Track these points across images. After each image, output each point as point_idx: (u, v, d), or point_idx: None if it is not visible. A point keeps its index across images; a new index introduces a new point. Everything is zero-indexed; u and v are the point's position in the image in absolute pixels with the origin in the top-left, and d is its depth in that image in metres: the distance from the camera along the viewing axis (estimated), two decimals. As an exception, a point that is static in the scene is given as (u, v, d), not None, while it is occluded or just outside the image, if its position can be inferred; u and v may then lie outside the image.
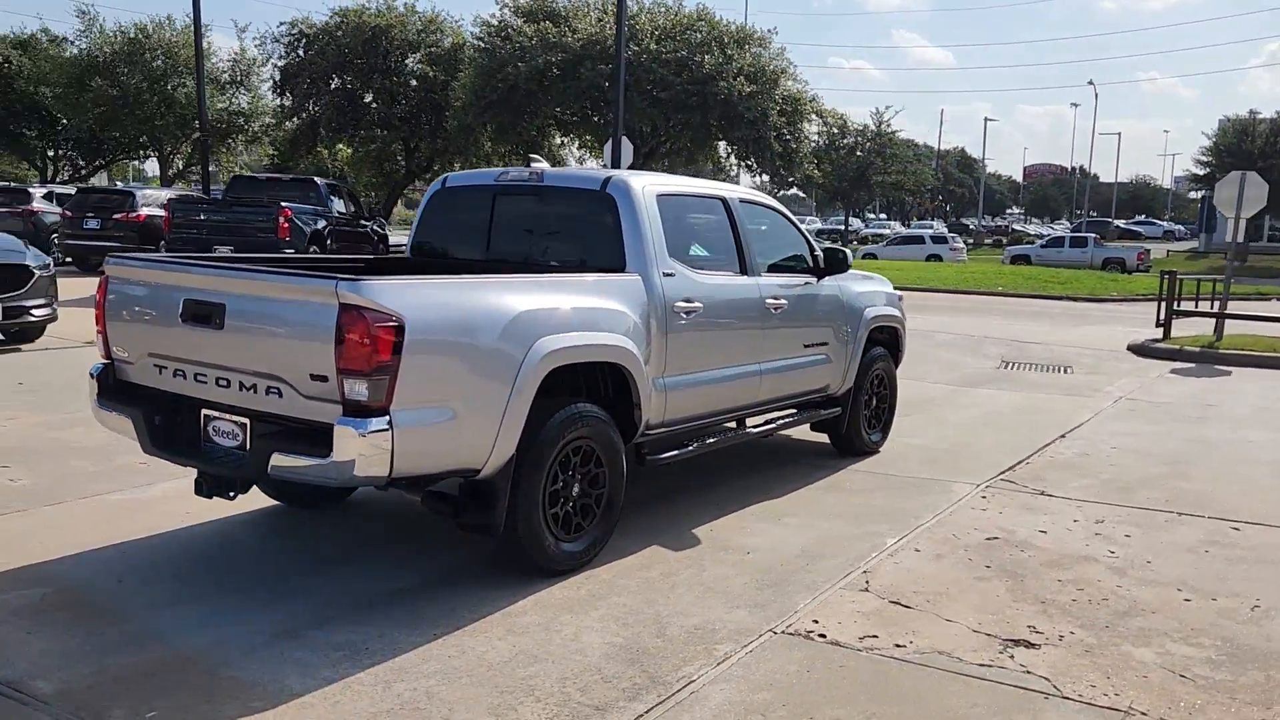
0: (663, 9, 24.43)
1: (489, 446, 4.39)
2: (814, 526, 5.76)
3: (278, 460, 4.14)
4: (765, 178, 26.81)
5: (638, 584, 4.79)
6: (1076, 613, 4.54)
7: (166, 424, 4.64)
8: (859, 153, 57.02)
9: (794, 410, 6.86)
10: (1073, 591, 4.81)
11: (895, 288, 8.14)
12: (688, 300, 5.54)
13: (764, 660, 3.98)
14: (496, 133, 24.37)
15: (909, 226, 70.03)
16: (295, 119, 30.46)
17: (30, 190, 23.02)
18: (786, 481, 6.72)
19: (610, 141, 19.45)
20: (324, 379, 4.01)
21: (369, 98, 29.50)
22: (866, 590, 4.77)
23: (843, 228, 63.15)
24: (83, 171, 38.49)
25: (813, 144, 55.75)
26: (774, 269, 6.60)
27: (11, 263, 10.73)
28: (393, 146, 31.29)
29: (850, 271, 7.56)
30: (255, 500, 5.72)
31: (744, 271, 6.15)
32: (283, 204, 17.01)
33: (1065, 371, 12.62)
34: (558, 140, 27.53)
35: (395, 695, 3.63)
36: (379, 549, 5.26)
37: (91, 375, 4.89)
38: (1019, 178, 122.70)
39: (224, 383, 4.36)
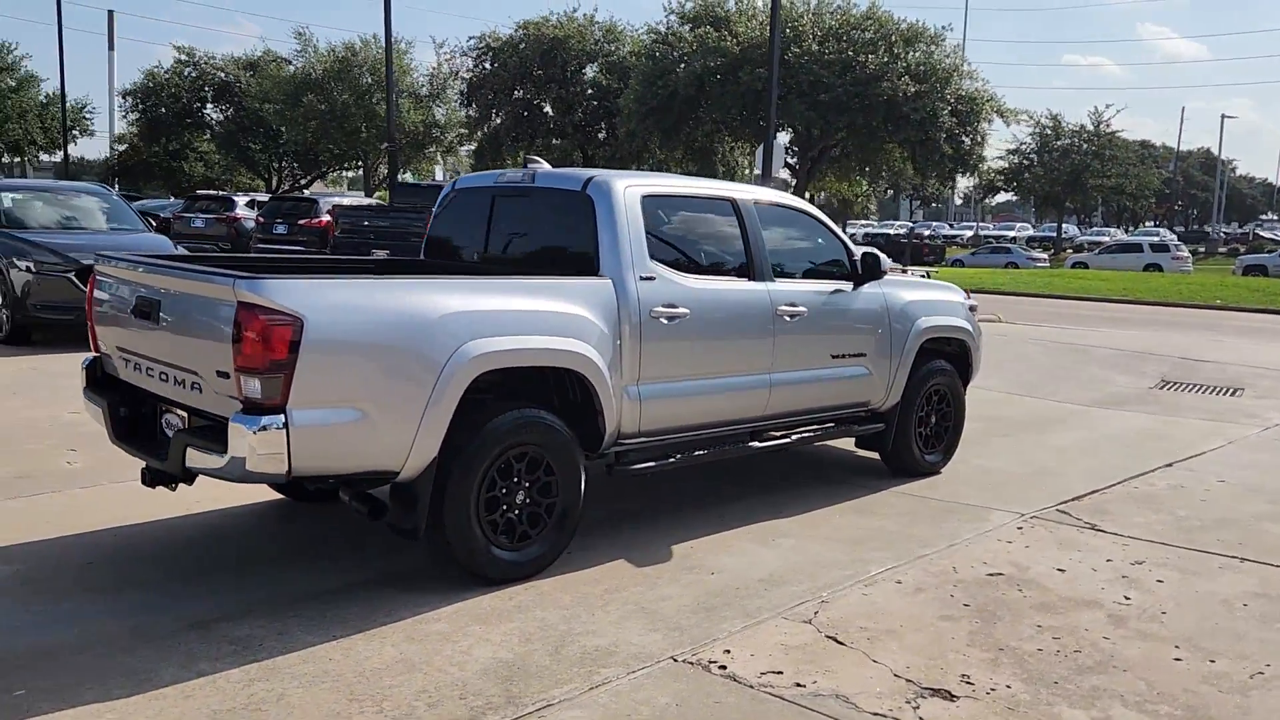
0: (830, 9, 23.80)
1: (405, 449, 4.34)
2: (804, 549, 5.39)
3: (191, 456, 4.25)
4: (937, 181, 25.65)
5: (574, 599, 4.61)
6: (1032, 664, 4.02)
7: (130, 416, 4.87)
8: (1074, 155, 53.71)
9: (826, 425, 6.46)
10: (1046, 640, 4.26)
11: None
12: (670, 305, 5.31)
13: (640, 689, 3.74)
14: (663, 138, 24.44)
15: (1130, 233, 65.17)
16: (481, 129, 31.70)
17: (234, 199, 25.04)
18: (812, 499, 6.33)
19: (762, 145, 19.13)
20: (226, 375, 4.08)
21: (546, 107, 30.32)
22: (809, 622, 4.40)
23: (1054, 234, 59.67)
24: (301, 182, 41.62)
25: (1023, 144, 53.11)
26: (797, 274, 6.25)
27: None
28: (573, 155, 32.05)
29: (902, 278, 7.10)
30: (263, 492, 5.94)
31: (752, 276, 5.83)
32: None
33: (1231, 394, 11.33)
34: (730, 144, 27.31)
35: (249, 695, 3.64)
36: (354, 544, 5.30)
37: (83, 367, 5.20)
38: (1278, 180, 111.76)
39: (165, 377, 4.52)
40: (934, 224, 76.33)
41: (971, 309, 7.48)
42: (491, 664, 3.92)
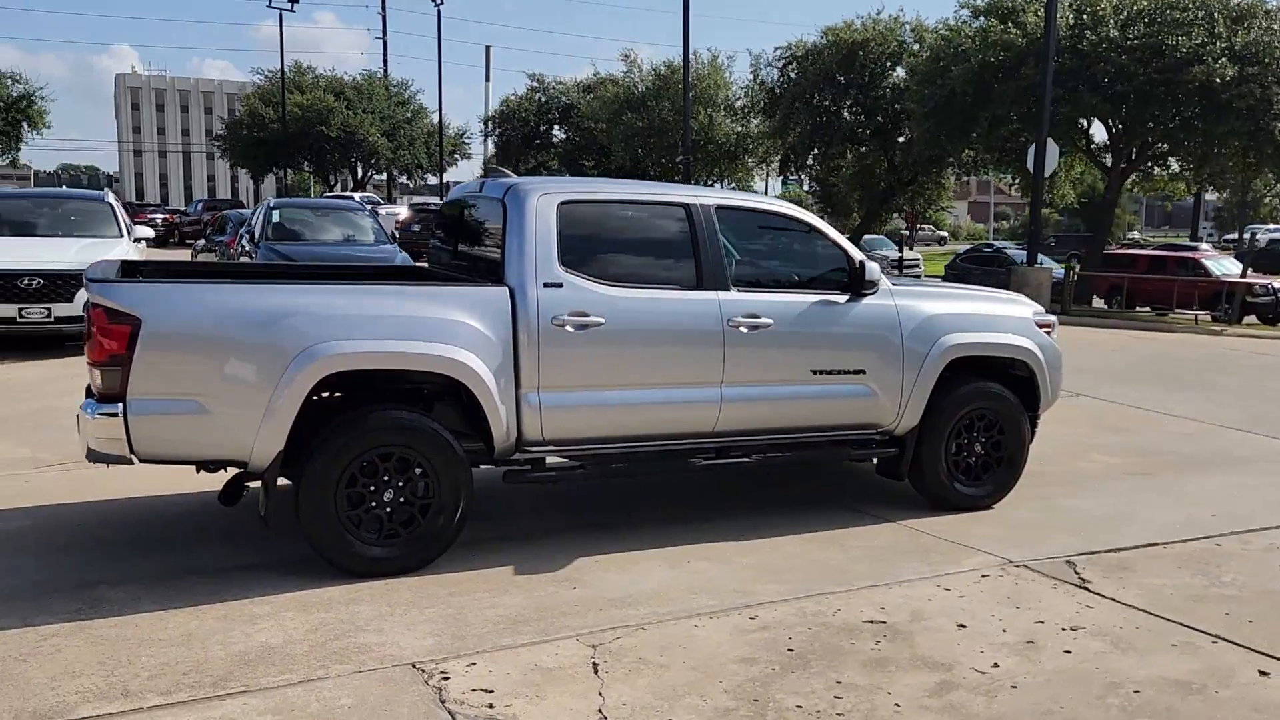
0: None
1: (249, 442, 4.65)
2: (704, 574, 5.05)
3: (79, 439, 4.85)
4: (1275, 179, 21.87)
5: (412, 597, 4.68)
6: (765, 722, 3.54)
7: (100, 402, 5.60)
8: None
9: (817, 445, 5.95)
10: (825, 700, 3.72)
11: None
12: (581, 314, 5.20)
13: (339, 688, 3.76)
14: (950, 139, 22.97)
15: None
16: (784, 138, 31.61)
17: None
18: (791, 524, 5.86)
19: (1035, 146, 17.54)
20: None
21: (845, 113, 29.63)
22: (595, 647, 4.16)
23: None
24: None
25: None
26: (774, 284, 5.86)
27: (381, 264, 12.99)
28: (879, 162, 31.07)
29: (936, 287, 6.40)
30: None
31: (701, 285, 5.54)
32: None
33: None
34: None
35: (35, 645, 4.09)
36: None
37: (95, 360, 6.05)
38: None
39: (95, 369, 5.19)
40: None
41: (1042, 326, 6.52)
42: (254, 648, 4.12)
